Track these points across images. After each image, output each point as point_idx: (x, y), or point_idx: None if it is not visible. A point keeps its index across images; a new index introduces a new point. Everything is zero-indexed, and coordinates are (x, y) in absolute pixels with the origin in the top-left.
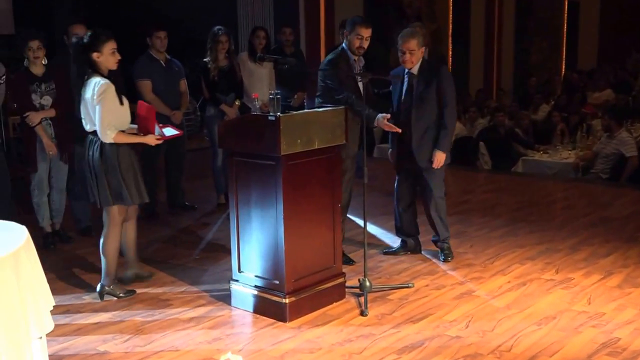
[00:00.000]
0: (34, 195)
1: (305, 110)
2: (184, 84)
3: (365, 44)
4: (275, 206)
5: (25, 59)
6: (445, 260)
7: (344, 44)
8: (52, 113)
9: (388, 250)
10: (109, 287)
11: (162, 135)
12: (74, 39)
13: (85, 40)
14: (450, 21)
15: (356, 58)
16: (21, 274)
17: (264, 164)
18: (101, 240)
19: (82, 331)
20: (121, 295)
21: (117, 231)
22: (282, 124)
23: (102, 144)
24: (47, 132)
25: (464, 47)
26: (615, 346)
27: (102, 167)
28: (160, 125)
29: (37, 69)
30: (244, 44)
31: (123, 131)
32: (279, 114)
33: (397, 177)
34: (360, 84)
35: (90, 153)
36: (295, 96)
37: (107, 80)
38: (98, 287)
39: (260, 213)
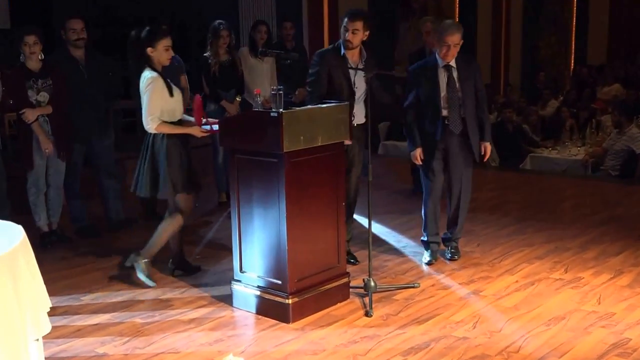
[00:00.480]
0: (31, 193)
1: (308, 106)
2: (184, 80)
3: (353, 38)
4: (278, 204)
5: (22, 54)
6: (451, 259)
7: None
8: (48, 110)
9: (433, 260)
10: (142, 261)
11: (211, 129)
12: (132, 33)
13: (141, 35)
14: (457, 15)
15: (352, 52)
16: (17, 275)
17: (266, 161)
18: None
19: (81, 333)
20: (142, 276)
21: (180, 220)
22: (285, 120)
23: (154, 136)
24: (44, 129)
25: (471, 41)
26: (626, 347)
27: (154, 158)
28: (210, 120)
29: (34, 65)
30: (245, 39)
31: (170, 122)
32: (281, 110)
33: (432, 177)
34: (358, 79)
35: (145, 145)
36: (297, 92)
37: (154, 73)
38: (131, 256)
39: (262, 212)
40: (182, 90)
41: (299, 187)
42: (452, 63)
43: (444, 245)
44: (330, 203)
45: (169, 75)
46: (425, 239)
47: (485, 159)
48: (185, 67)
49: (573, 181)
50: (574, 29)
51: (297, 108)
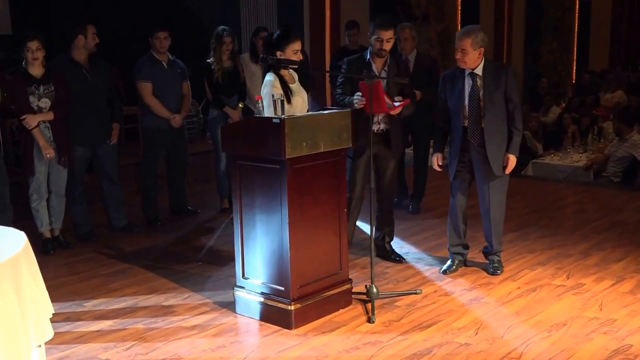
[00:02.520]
0: (33, 200)
1: (311, 113)
2: (186, 86)
3: (387, 46)
4: (280, 211)
5: (24, 60)
6: (493, 274)
7: (370, 48)
8: (50, 116)
9: (447, 270)
10: None
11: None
12: (265, 35)
13: (273, 38)
14: (459, 21)
15: (380, 60)
16: (20, 281)
17: (269, 167)
18: None
19: (83, 339)
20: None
21: None
22: (287, 126)
23: None
24: (45, 135)
25: None
26: (627, 353)
27: None
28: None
29: (36, 71)
30: (246, 45)
31: None
32: (283, 116)
33: (455, 187)
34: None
35: None
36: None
37: (274, 76)
38: None
39: (264, 218)
40: (183, 96)
41: (301, 194)
42: (478, 71)
43: (486, 259)
44: (333, 209)
45: (170, 82)
46: (448, 248)
47: (507, 172)
48: (187, 72)
49: (575, 188)
50: (575, 34)
51: (299, 114)
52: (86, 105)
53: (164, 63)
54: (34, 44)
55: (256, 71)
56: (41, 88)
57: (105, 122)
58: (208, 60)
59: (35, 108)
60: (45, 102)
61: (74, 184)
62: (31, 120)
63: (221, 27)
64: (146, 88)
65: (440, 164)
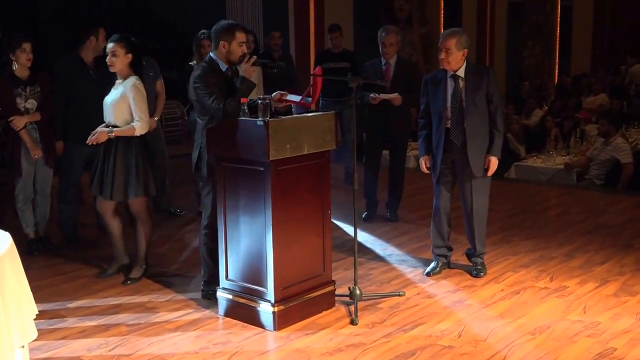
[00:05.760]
0: (18, 200)
1: (295, 115)
2: (160, 85)
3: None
4: (264, 212)
5: (13, 62)
6: (477, 276)
7: None
8: (37, 117)
9: (431, 272)
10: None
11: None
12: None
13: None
14: (442, 25)
15: None
16: (4, 281)
17: (253, 169)
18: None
19: (67, 340)
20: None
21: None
22: (271, 128)
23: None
24: (32, 136)
25: None
26: (612, 356)
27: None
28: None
29: (23, 72)
30: None
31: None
32: (267, 118)
33: (438, 189)
34: None
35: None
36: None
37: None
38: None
39: (248, 220)
40: (157, 95)
41: (285, 195)
42: (460, 73)
43: (469, 261)
44: (316, 211)
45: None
46: (431, 250)
47: (489, 174)
48: (159, 71)
49: (558, 190)
50: (557, 38)
51: (284, 117)
52: (90, 105)
53: None
54: (28, 46)
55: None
56: (27, 89)
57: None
58: (190, 63)
59: (22, 109)
60: (32, 104)
61: (70, 183)
62: (19, 122)
63: (201, 31)
64: None
65: (428, 165)
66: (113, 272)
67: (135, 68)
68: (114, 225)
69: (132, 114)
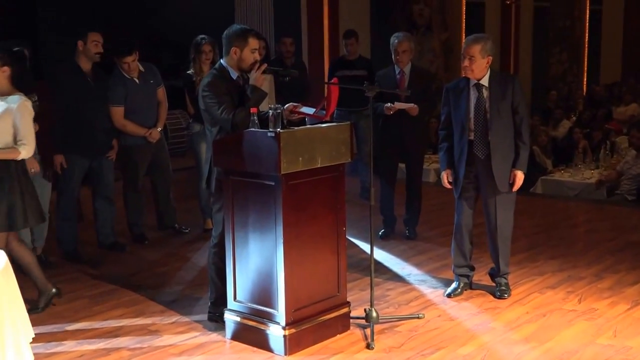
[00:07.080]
0: None
1: (308, 126)
2: (162, 93)
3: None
4: (275, 229)
5: None
6: (500, 297)
7: None
8: (35, 128)
9: (452, 293)
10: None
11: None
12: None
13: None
14: (463, 31)
15: None
16: None
17: (263, 183)
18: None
19: None
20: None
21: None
22: (282, 140)
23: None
24: None
25: None
26: None
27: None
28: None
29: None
30: None
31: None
32: (279, 129)
33: (460, 205)
34: None
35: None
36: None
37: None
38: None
39: (258, 237)
40: (159, 104)
41: (297, 211)
42: (484, 82)
43: (493, 281)
44: (330, 228)
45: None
46: (452, 269)
47: (514, 189)
48: (160, 78)
49: (587, 206)
50: (586, 45)
51: (296, 128)
52: (88, 114)
53: (135, 79)
54: (27, 53)
55: None
56: None
57: (105, 135)
58: (188, 72)
59: None
60: None
61: (69, 199)
62: None
63: (200, 35)
64: (117, 112)
65: (450, 180)
66: (43, 306)
67: (18, 82)
68: (21, 254)
69: (13, 136)
